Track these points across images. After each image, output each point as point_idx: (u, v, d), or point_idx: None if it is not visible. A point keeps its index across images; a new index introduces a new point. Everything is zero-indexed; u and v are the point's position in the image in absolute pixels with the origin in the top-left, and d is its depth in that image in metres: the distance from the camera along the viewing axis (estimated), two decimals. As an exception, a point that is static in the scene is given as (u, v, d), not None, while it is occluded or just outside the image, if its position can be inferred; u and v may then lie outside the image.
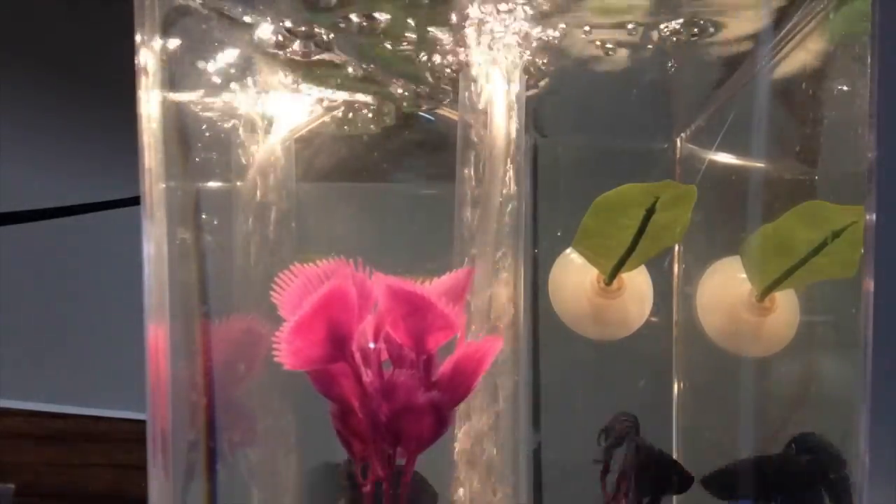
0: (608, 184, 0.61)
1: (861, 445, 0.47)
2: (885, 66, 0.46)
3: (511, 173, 0.60)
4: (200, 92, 0.62)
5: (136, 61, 0.56)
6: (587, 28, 0.61)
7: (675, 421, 0.78)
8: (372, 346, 0.53)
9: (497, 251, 0.59)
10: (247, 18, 0.60)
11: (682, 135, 0.78)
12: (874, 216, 0.46)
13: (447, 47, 0.62)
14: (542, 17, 0.59)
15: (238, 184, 0.64)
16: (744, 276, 0.65)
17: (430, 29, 0.60)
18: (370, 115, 0.72)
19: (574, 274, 0.68)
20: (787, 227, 0.60)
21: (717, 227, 0.71)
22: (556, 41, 0.62)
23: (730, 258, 0.67)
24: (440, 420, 0.52)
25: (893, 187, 0.46)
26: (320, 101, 0.70)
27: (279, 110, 0.67)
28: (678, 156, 0.78)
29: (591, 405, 0.77)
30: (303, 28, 0.60)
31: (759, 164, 0.67)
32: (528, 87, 0.63)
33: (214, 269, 0.62)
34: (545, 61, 0.64)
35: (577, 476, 0.75)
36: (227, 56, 0.63)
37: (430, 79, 0.66)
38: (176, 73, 0.59)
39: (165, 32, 0.57)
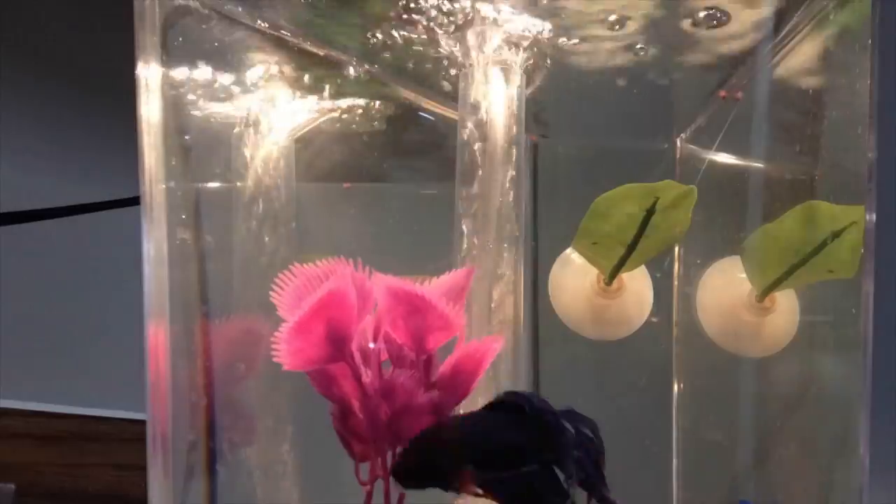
0: (608, 184, 0.61)
1: (861, 445, 0.47)
2: (885, 66, 0.46)
3: (511, 173, 0.60)
4: (200, 92, 0.62)
5: (136, 62, 0.56)
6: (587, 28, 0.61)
7: (675, 421, 0.78)
8: (372, 346, 0.52)
9: (497, 251, 0.59)
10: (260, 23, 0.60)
11: (683, 135, 0.78)
12: (874, 216, 0.46)
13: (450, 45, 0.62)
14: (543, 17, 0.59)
15: (238, 184, 0.64)
16: (744, 276, 0.65)
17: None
18: (370, 114, 0.72)
19: (574, 274, 0.68)
20: (787, 227, 0.60)
21: (717, 227, 0.71)
22: (556, 41, 0.62)
23: (730, 258, 0.67)
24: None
25: (893, 187, 0.46)
26: (320, 101, 0.70)
27: (279, 110, 0.67)
28: (678, 156, 0.78)
29: (591, 405, 0.77)
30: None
31: (759, 164, 0.67)
32: (527, 86, 0.63)
33: (214, 269, 0.62)
34: (545, 61, 0.64)
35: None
36: (228, 56, 0.63)
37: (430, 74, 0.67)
38: (176, 74, 0.59)
39: (165, 33, 0.57)
